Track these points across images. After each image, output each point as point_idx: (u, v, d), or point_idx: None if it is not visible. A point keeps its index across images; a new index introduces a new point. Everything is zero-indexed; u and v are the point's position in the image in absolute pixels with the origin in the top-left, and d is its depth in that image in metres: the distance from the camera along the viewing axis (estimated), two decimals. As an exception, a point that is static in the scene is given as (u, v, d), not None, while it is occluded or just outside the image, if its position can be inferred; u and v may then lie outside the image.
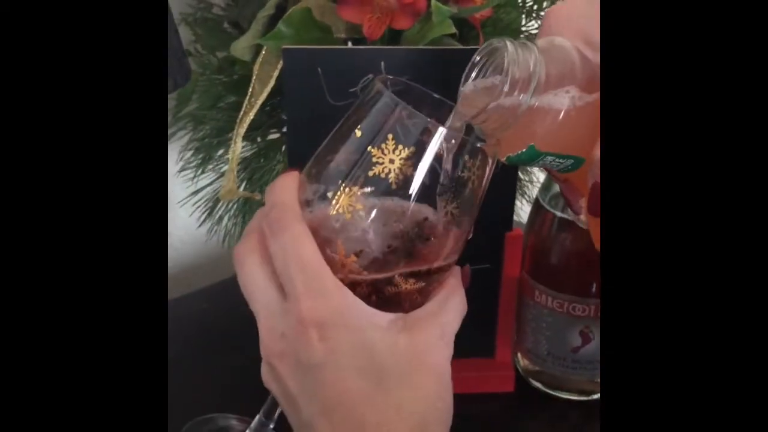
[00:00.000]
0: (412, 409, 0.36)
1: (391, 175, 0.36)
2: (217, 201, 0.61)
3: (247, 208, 0.61)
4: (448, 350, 0.38)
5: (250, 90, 0.51)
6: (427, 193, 0.37)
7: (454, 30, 0.51)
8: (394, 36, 0.53)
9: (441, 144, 0.36)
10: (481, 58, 0.38)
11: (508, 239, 0.57)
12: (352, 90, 0.51)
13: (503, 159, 0.39)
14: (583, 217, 0.56)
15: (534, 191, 0.64)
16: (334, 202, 0.37)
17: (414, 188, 0.36)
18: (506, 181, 0.56)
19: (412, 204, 0.37)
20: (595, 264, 0.58)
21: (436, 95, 0.40)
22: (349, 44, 0.55)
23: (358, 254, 0.37)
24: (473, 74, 0.38)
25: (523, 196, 0.66)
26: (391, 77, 0.40)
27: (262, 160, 0.58)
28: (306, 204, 0.38)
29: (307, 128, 0.52)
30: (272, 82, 0.51)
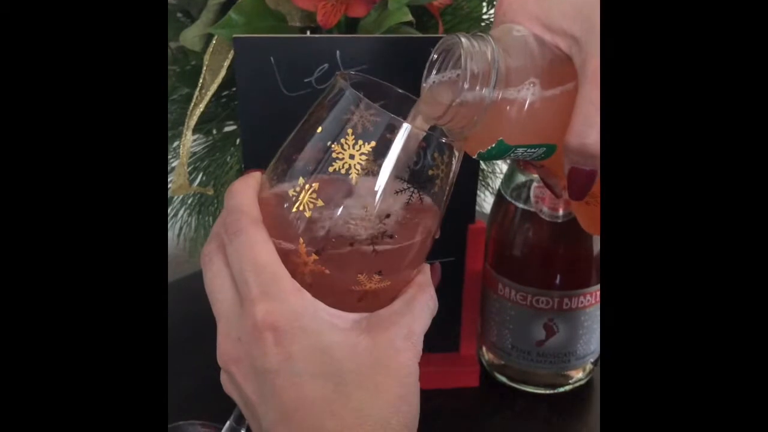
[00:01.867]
0: (373, 413, 0.34)
1: (352, 171, 0.35)
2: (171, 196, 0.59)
3: (203, 201, 0.59)
4: (414, 351, 0.36)
5: (201, 81, 0.49)
6: (391, 190, 0.36)
7: (411, 18, 0.49)
8: (350, 24, 0.52)
9: (404, 140, 0.35)
10: (438, 56, 0.37)
11: (470, 232, 0.56)
12: (306, 80, 0.49)
13: (474, 156, 0.38)
14: (546, 208, 0.55)
15: (497, 182, 0.63)
16: (294, 200, 0.36)
17: (375, 184, 0.35)
18: (468, 173, 0.55)
19: (374, 200, 0.36)
20: (557, 256, 0.57)
21: (400, 90, 0.39)
22: (308, 33, 0.53)
23: (319, 252, 0.36)
24: (433, 72, 0.37)
25: (486, 187, 0.65)
26: (353, 72, 0.39)
27: (217, 153, 0.57)
28: (267, 203, 0.37)
29: (261, 120, 0.51)
30: (223, 73, 0.49)
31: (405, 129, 0.35)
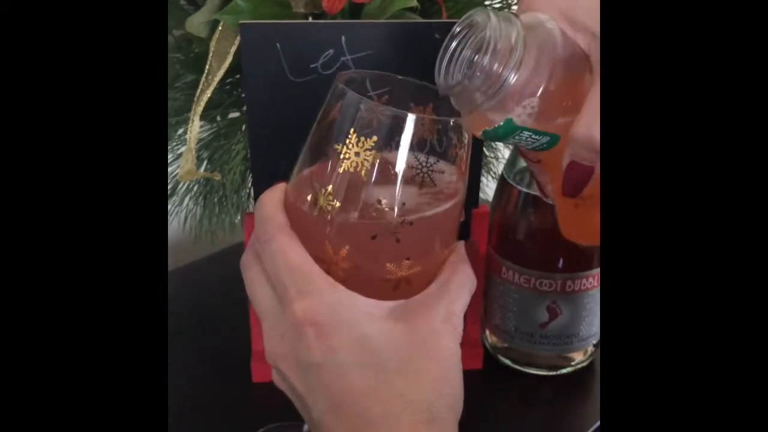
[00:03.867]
0: (416, 397, 0.35)
1: (361, 168, 0.36)
2: (177, 182, 0.59)
3: (209, 188, 0.59)
4: (454, 332, 0.37)
5: (207, 67, 0.50)
6: (402, 179, 0.36)
7: (415, 3, 0.50)
8: (354, 10, 0.52)
9: (406, 128, 0.36)
10: (461, 30, 0.37)
11: (474, 216, 0.57)
12: (312, 66, 0.50)
13: (478, 134, 0.38)
14: (551, 200, 0.56)
15: (499, 168, 0.63)
16: (314, 204, 0.37)
17: (385, 176, 0.36)
18: (471, 157, 0.55)
19: (387, 191, 0.36)
20: (560, 239, 0.58)
21: (400, 77, 0.40)
22: (309, 19, 0.53)
23: (345, 250, 0.37)
24: (453, 44, 0.37)
25: (488, 172, 0.66)
26: (353, 70, 0.40)
27: (222, 140, 0.57)
28: (292, 211, 0.38)
29: (266, 106, 0.51)
30: (229, 59, 0.50)
31: (403, 118, 0.36)
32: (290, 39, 0.49)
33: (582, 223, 0.42)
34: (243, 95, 0.56)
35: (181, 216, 0.62)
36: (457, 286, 0.38)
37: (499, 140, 0.39)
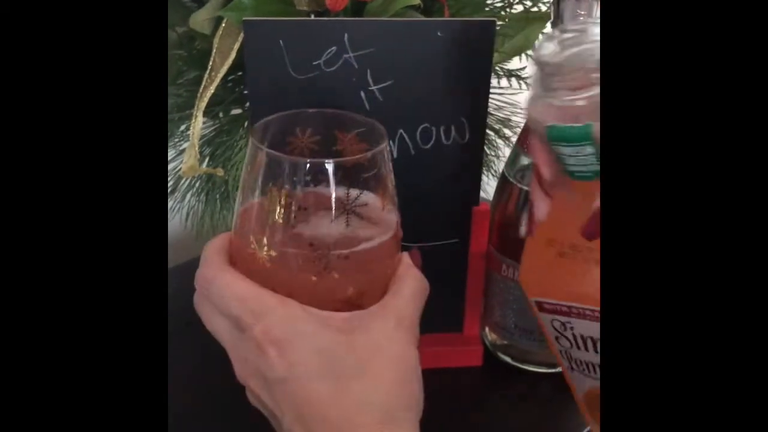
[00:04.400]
0: (373, 400, 0.37)
1: (286, 217, 0.38)
2: (179, 178, 0.60)
3: (210, 185, 0.60)
4: (407, 338, 0.39)
5: (210, 64, 0.50)
6: (328, 219, 0.38)
7: (417, 1, 0.50)
8: (356, 8, 0.52)
9: (327, 173, 0.37)
10: (587, 27, 0.37)
11: (474, 214, 0.57)
12: (315, 63, 0.50)
13: (545, 124, 0.38)
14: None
15: (500, 166, 0.64)
16: (253, 255, 0.39)
17: (310, 221, 0.38)
18: (473, 156, 0.55)
19: (315, 235, 0.38)
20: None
21: (312, 110, 0.42)
22: (312, 16, 0.54)
23: (292, 291, 0.38)
24: (569, 35, 0.37)
25: (489, 170, 0.66)
26: (267, 118, 0.42)
27: (224, 137, 0.57)
28: (237, 260, 0.40)
29: (269, 102, 0.51)
30: (233, 55, 0.50)
31: (319, 164, 0.37)
32: (293, 36, 0.49)
33: (557, 273, 0.42)
34: (246, 92, 0.56)
35: (182, 212, 0.62)
36: (407, 294, 0.40)
37: (559, 141, 0.38)
